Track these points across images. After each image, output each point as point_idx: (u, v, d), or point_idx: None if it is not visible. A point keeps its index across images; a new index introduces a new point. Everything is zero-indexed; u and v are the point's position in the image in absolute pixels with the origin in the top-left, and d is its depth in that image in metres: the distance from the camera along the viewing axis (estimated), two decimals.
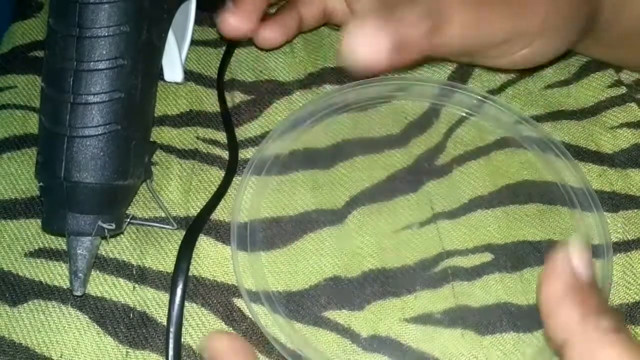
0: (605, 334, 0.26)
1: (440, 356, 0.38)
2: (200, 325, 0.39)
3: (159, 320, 0.39)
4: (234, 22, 0.43)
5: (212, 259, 0.41)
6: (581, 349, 0.26)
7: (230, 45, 0.49)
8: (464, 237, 0.42)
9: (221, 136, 0.46)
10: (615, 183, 0.43)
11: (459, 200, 0.43)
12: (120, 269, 0.41)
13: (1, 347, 0.38)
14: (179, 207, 0.43)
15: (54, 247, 0.41)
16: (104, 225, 0.38)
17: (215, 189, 0.43)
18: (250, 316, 0.39)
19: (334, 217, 0.42)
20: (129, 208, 0.42)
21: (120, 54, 0.37)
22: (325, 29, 0.50)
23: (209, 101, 0.47)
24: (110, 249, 0.41)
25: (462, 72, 0.48)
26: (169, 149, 0.45)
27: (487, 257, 0.41)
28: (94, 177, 0.37)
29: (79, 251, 0.38)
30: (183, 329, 0.38)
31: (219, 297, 0.40)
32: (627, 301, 0.40)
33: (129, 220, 0.40)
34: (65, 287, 0.40)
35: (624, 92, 0.47)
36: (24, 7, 0.52)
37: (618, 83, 0.47)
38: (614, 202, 0.43)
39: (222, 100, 0.47)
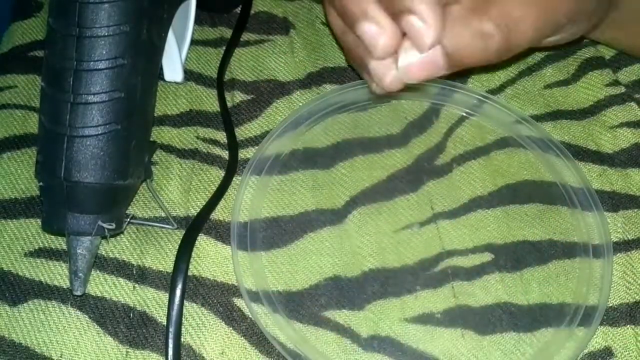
0: None
1: (441, 356, 0.38)
2: (200, 325, 0.39)
3: (159, 320, 0.39)
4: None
5: (212, 259, 0.41)
6: None
7: (230, 44, 0.49)
8: (463, 237, 0.42)
9: (221, 136, 0.46)
10: (616, 183, 0.43)
11: (459, 200, 0.43)
12: (120, 268, 0.41)
13: (1, 346, 0.38)
14: (179, 207, 0.43)
15: (54, 247, 0.41)
16: (104, 225, 0.38)
17: (215, 189, 0.43)
18: (250, 316, 0.39)
19: (334, 216, 0.42)
20: (129, 208, 0.42)
21: (120, 53, 0.37)
22: (325, 29, 0.50)
23: (209, 101, 0.47)
24: (110, 248, 0.41)
25: (462, 72, 0.48)
26: (169, 149, 0.45)
27: (487, 257, 0.41)
28: (94, 177, 0.37)
29: (79, 251, 0.38)
30: (183, 329, 0.38)
31: (219, 297, 0.40)
32: (628, 301, 0.40)
33: (129, 220, 0.40)
34: (65, 287, 0.40)
35: (623, 91, 0.47)
36: (24, 6, 0.52)
37: (616, 82, 0.47)
38: (614, 201, 0.43)
39: (222, 100, 0.47)
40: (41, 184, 0.38)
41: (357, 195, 0.43)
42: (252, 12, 0.51)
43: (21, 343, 0.38)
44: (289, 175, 0.44)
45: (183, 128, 0.46)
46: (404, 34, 0.34)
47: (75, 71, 0.37)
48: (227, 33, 0.50)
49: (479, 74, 0.48)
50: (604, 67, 0.48)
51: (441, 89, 0.46)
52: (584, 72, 0.48)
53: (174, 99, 0.47)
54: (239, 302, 0.40)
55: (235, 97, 0.47)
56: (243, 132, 0.46)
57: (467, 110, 0.46)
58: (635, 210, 0.42)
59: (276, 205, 0.43)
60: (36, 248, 0.41)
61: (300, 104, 0.47)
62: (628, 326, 0.39)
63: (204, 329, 0.39)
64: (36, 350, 0.38)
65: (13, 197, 0.43)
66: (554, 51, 0.49)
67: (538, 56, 0.49)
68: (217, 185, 0.43)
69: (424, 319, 0.39)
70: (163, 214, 0.42)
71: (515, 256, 0.41)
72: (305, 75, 0.48)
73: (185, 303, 0.39)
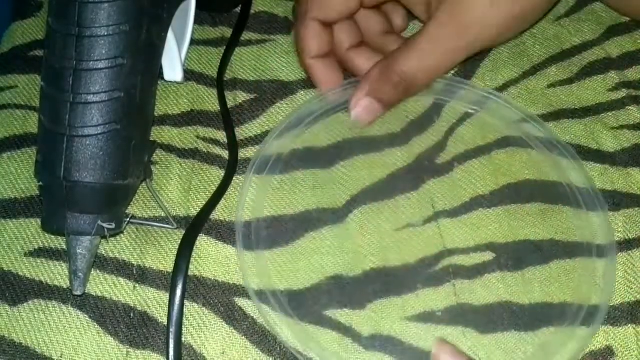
0: None
1: None
2: (201, 324, 0.39)
3: (160, 320, 0.39)
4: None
5: (213, 259, 0.41)
6: None
7: (230, 44, 0.49)
8: (465, 236, 0.41)
9: (222, 136, 0.46)
10: (617, 182, 0.43)
11: (460, 198, 0.43)
12: (121, 268, 0.41)
13: (1, 347, 0.38)
14: (179, 207, 0.43)
15: (54, 247, 0.41)
16: (104, 225, 0.38)
17: (215, 189, 0.43)
18: (251, 315, 0.39)
19: (335, 216, 0.42)
20: (129, 208, 0.42)
21: (120, 53, 0.37)
22: None
23: (210, 101, 0.47)
24: (110, 248, 0.41)
25: (466, 70, 0.48)
26: (169, 149, 0.45)
27: (489, 255, 0.41)
28: (94, 176, 0.37)
29: (78, 251, 0.38)
30: (184, 329, 0.38)
31: (220, 297, 0.40)
32: (629, 300, 0.39)
33: (128, 219, 0.40)
34: (65, 286, 0.40)
35: (624, 95, 0.47)
36: (24, 6, 0.52)
37: (618, 86, 0.47)
38: (615, 200, 0.43)
39: (222, 99, 0.47)
40: (41, 183, 0.38)
41: (358, 195, 0.43)
42: (253, 11, 0.51)
43: (21, 343, 0.38)
44: (289, 174, 0.44)
45: (183, 128, 0.46)
46: None
47: (75, 71, 0.37)
48: (228, 33, 0.50)
49: (482, 73, 0.48)
50: (609, 69, 0.48)
51: (445, 85, 0.46)
52: (588, 74, 0.48)
53: (175, 98, 0.47)
54: (240, 302, 0.40)
55: (238, 97, 0.47)
56: (245, 131, 0.46)
57: (471, 107, 0.46)
58: (637, 209, 0.42)
59: (277, 204, 0.43)
60: (36, 248, 0.41)
61: None
62: (629, 325, 0.39)
63: (204, 329, 0.39)
64: (36, 350, 0.38)
65: (13, 197, 0.43)
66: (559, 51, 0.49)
67: (543, 56, 0.49)
68: (217, 185, 0.43)
69: (425, 318, 0.39)
70: (163, 214, 0.42)
71: (516, 255, 0.41)
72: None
73: (186, 303, 0.39)
